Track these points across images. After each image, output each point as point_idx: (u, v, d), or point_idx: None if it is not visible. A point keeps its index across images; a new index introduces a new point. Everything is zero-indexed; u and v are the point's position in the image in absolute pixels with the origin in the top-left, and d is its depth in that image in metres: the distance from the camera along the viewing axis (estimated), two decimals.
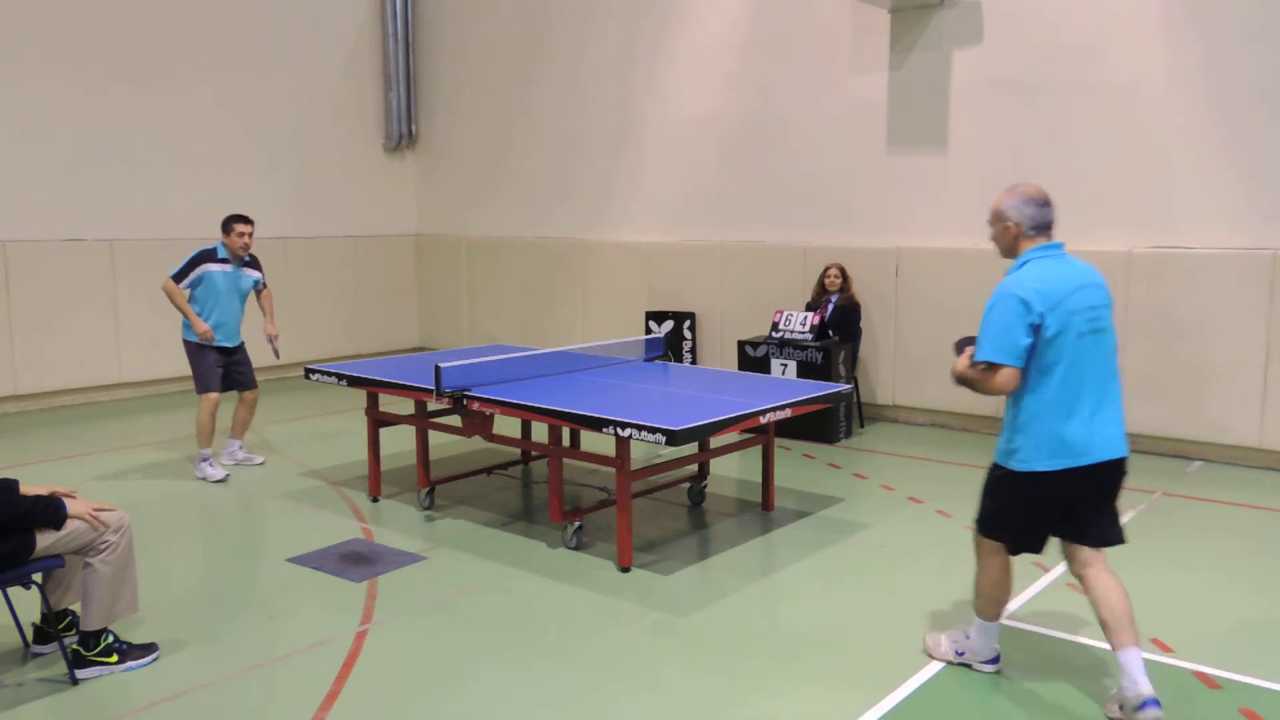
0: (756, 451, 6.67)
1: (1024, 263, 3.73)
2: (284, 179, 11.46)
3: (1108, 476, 3.68)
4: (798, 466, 7.43)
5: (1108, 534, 3.76)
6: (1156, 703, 3.47)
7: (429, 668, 4.19)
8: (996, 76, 8.21)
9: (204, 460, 7.08)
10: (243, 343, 7.36)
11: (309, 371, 6.81)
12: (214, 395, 7.08)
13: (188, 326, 7.08)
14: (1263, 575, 5.18)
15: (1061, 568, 5.22)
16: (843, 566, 5.30)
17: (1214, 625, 4.56)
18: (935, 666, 4.10)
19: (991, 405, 8.24)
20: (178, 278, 7.00)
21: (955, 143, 8.49)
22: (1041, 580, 5.07)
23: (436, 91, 12.57)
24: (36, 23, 9.55)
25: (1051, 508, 3.71)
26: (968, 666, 4.09)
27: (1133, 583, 5.05)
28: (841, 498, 6.55)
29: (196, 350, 7.09)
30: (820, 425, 8.06)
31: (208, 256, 7.09)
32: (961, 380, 3.76)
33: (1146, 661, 3.70)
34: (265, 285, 7.46)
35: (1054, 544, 5.59)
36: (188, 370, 10.41)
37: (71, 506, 3.97)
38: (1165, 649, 4.26)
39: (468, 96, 12.21)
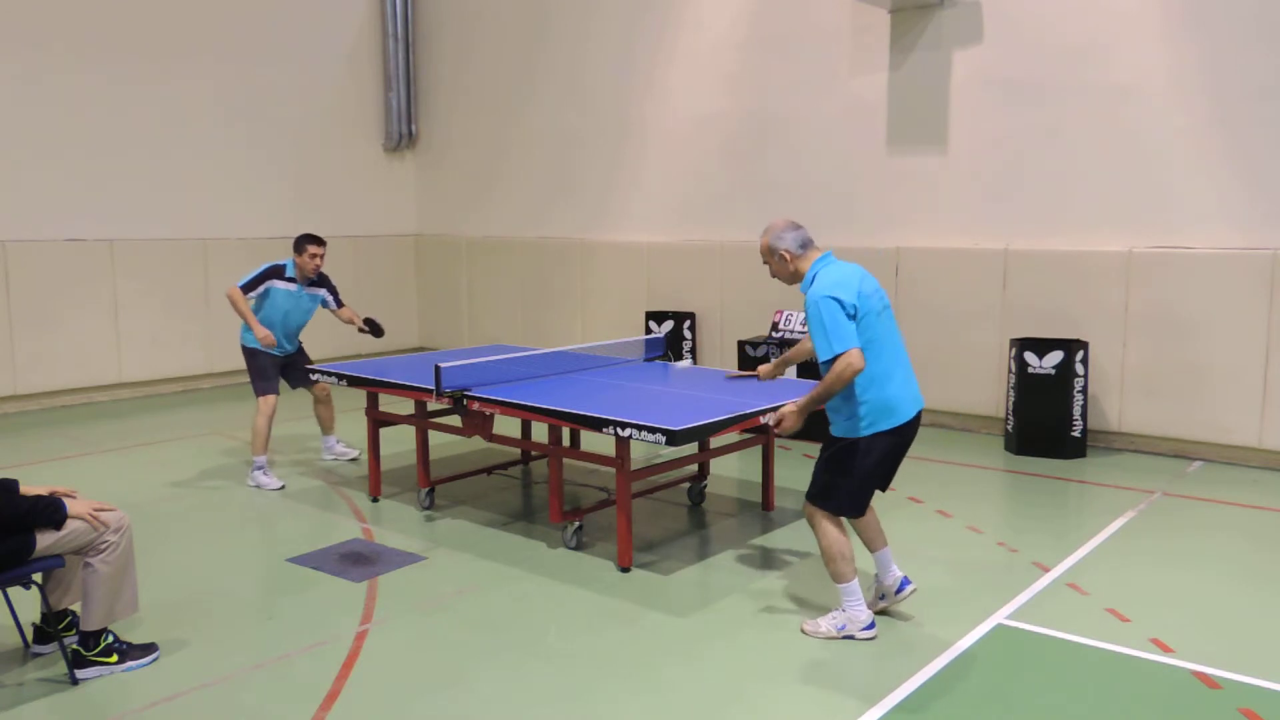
0: (756, 451, 6.67)
1: (813, 275, 4.27)
2: (284, 179, 11.47)
3: (916, 425, 4.32)
4: (798, 466, 7.42)
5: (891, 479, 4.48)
6: (909, 581, 4.56)
7: (429, 668, 4.18)
8: (996, 76, 8.22)
9: (258, 469, 6.86)
10: (299, 344, 7.30)
11: (309, 371, 6.81)
12: (273, 398, 6.91)
13: (246, 331, 6.97)
14: (1262, 575, 5.18)
15: (1061, 568, 5.23)
16: None
17: (1214, 625, 4.56)
18: (935, 666, 4.10)
19: (991, 405, 8.25)
20: (246, 289, 6.83)
21: (955, 143, 8.49)
22: (1041, 580, 5.07)
23: (436, 91, 12.57)
24: (36, 23, 9.55)
25: (887, 462, 4.30)
26: (851, 638, 4.33)
27: (1133, 583, 5.06)
28: None
29: (251, 354, 6.98)
30: (820, 425, 8.02)
31: (276, 272, 6.94)
32: (812, 405, 4.24)
33: (1147, 661, 4.08)
34: (341, 303, 7.32)
35: (1049, 545, 5.60)
36: (187, 370, 10.60)
37: (71, 506, 3.96)
38: (1165, 649, 4.26)
39: (468, 96, 12.22)
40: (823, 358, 4.12)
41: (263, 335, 6.82)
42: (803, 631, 4.44)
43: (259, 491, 6.78)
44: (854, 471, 4.24)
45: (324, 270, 7.17)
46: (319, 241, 7.05)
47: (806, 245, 4.34)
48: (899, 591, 4.56)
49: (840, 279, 4.17)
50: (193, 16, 10.59)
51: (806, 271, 4.31)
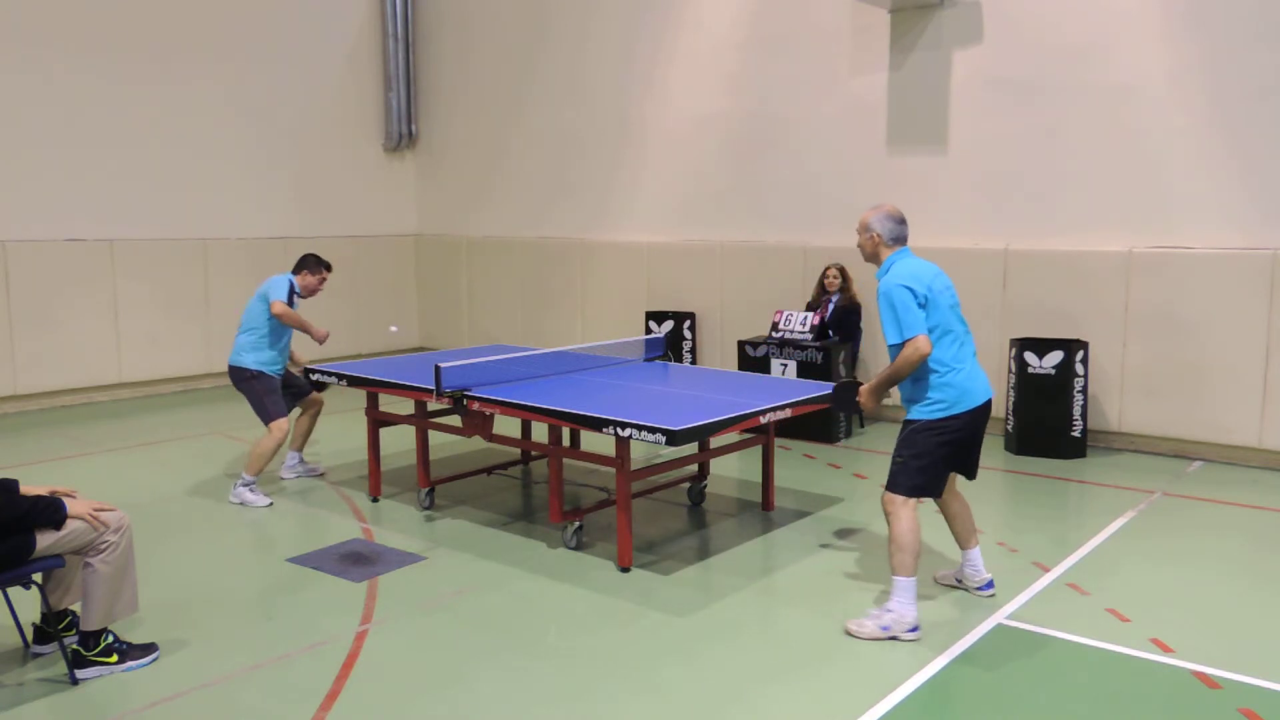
0: (756, 451, 6.67)
1: (889, 265, 4.50)
2: (284, 179, 11.47)
3: (987, 413, 4.56)
4: (798, 466, 7.43)
5: (976, 468, 4.73)
6: (993, 584, 4.84)
7: (429, 668, 4.18)
8: (996, 76, 8.22)
9: (248, 485, 6.53)
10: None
11: (309, 371, 6.81)
12: (286, 421, 6.62)
13: (251, 352, 6.66)
14: (1262, 575, 5.19)
15: (1061, 568, 5.24)
16: (842, 566, 5.30)
17: (1214, 625, 4.56)
18: (935, 666, 4.11)
19: (993, 405, 8.22)
20: (289, 301, 6.70)
21: (955, 143, 8.49)
22: (1041, 580, 5.07)
23: (436, 91, 12.57)
24: (37, 23, 9.55)
25: (963, 444, 4.50)
26: (895, 639, 4.33)
27: (1133, 583, 5.07)
28: (841, 498, 6.55)
29: (257, 376, 6.65)
30: (820, 425, 8.06)
31: (292, 286, 6.80)
32: (883, 386, 4.51)
33: (1147, 661, 4.12)
34: None
35: (1049, 545, 5.60)
36: (187, 370, 10.60)
37: (71, 506, 3.96)
38: (1165, 649, 4.26)
39: (468, 96, 12.22)
40: (891, 341, 4.36)
41: (322, 335, 6.77)
42: (847, 632, 4.41)
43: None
44: (926, 450, 4.41)
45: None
46: (330, 267, 7.01)
47: (897, 240, 4.53)
48: (981, 589, 4.85)
49: (915, 271, 4.41)
50: (193, 16, 10.59)
51: (884, 261, 4.52)
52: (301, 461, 7.20)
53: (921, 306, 4.31)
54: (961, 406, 4.41)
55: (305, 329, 6.73)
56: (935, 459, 4.43)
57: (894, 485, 4.44)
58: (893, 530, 4.39)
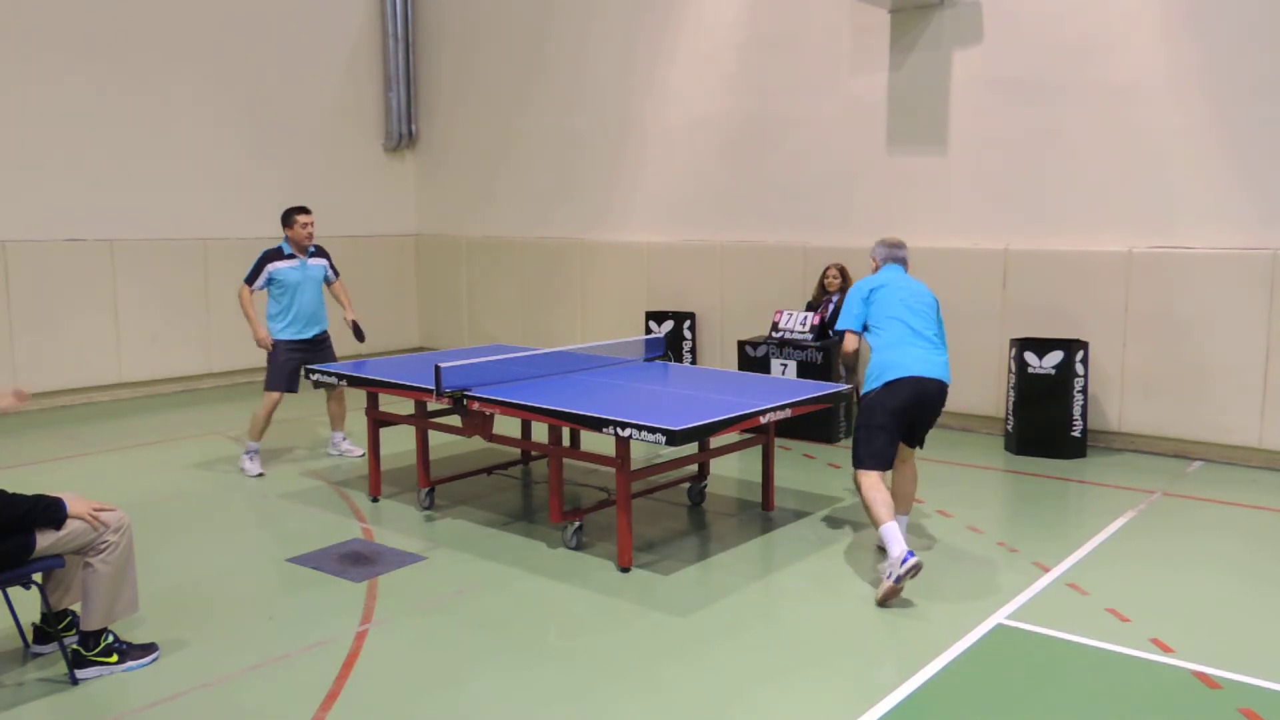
0: (756, 451, 6.67)
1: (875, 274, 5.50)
2: (284, 179, 11.44)
3: (920, 388, 5.05)
4: (798, 466, 7.43)
5: (919, 440, 5.34)
6: (913, 554, 4.80)
7: (429, 668, 4.19)
8: (996, 76, 8.22)
9: (248, 453, 7.14)
10: (325, 333, 7.41)
11: (309, 371, 6.81)
12: (275, 395, 7.09)
13: (271, 320, 7.17)
14: (1262, 575, 5.19)
15: (1061, 568, 5.24)
16: (842, 566, 5.30)
17: (1214, 625, 4.56)
18: (935, 666, 4.11)
19: (992, 405, 8.24)
20: (249, 281, 7.11)
21: (955, 143, 8.49)
22: (1041, 580, 5.07)
23: (436, 91, 12.57)
24: (37, 24, 9.54)
25: (895, 412, 5.02)
26: (900, 579, 4.62)
27: (1133, 583, 5.07)
28: (841, 498, 6.55)
29: (278, 349, 7.15)
30: (820, 425, 8.06)
31: (273, 255, 7.15)
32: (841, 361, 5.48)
33: (1147, 661, 4.12)
34: (337, 274, 7.57)
35: (1049, 545, 5.60)
36: (187, 370, 10.61)
37: (71, 506, 3.96)
38: (1165, 649, 4.26)
39: (468, 97, 12.21)
40: (837, 327, 5.44)
41: (261, 338, 7.07)
42: (878, 603, 4.72)
43: (259, 491, 6.78)
44: (866, 421, 5.08)
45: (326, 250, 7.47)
46: (306, 210, 7.27)
47: (888, 259, 5.51)
48: (902, 562, 4.78)
49: (879, 278, 5.35)
50: (193, 17, 10.59)
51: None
52: (344, 439, 7.72)
53: (865, 300, 5.23)
54: (884, 379, 5.04)
55: (251, 323, 7.10)
56: (873, 427, 5.01)
57: (855, 460, 5.05)
58: (861, 497, 4.96)
